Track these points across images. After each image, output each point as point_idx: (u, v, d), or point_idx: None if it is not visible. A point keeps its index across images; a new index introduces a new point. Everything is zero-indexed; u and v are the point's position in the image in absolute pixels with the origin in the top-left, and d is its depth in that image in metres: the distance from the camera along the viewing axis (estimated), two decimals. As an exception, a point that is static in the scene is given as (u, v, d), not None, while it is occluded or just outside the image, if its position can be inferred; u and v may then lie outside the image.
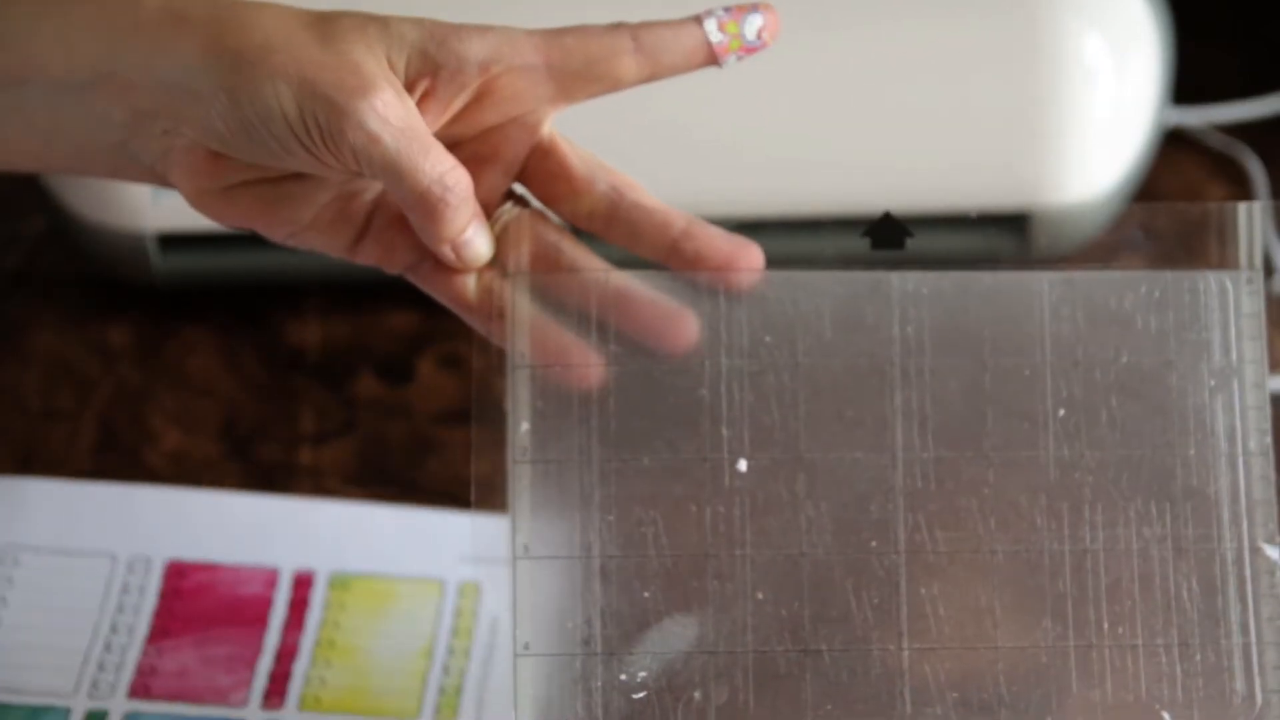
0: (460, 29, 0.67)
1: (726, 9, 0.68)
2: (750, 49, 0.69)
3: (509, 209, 0.70)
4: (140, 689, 0.72)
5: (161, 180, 0.70)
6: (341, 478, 0.82)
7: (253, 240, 0.86)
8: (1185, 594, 0.62)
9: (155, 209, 0.86)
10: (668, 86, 0.85)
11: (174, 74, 0.68)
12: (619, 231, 0.69)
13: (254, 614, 0.74)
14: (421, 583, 0.74)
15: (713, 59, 0.68)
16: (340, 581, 0.75)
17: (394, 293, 0.83)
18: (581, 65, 0.68)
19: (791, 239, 0.89)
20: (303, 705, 0.71)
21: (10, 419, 0.85)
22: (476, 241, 0.67)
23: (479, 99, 0.68)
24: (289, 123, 0.66)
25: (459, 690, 0.72)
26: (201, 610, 0.74)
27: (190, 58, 0.68)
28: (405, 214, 0.67)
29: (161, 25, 0.68)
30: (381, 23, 0.67)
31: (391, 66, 0.66)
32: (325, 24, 0.67)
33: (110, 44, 0.69)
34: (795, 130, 0.86)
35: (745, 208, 0.87)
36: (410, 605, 0.74)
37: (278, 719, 0.71)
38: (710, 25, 0.68)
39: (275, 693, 0.72)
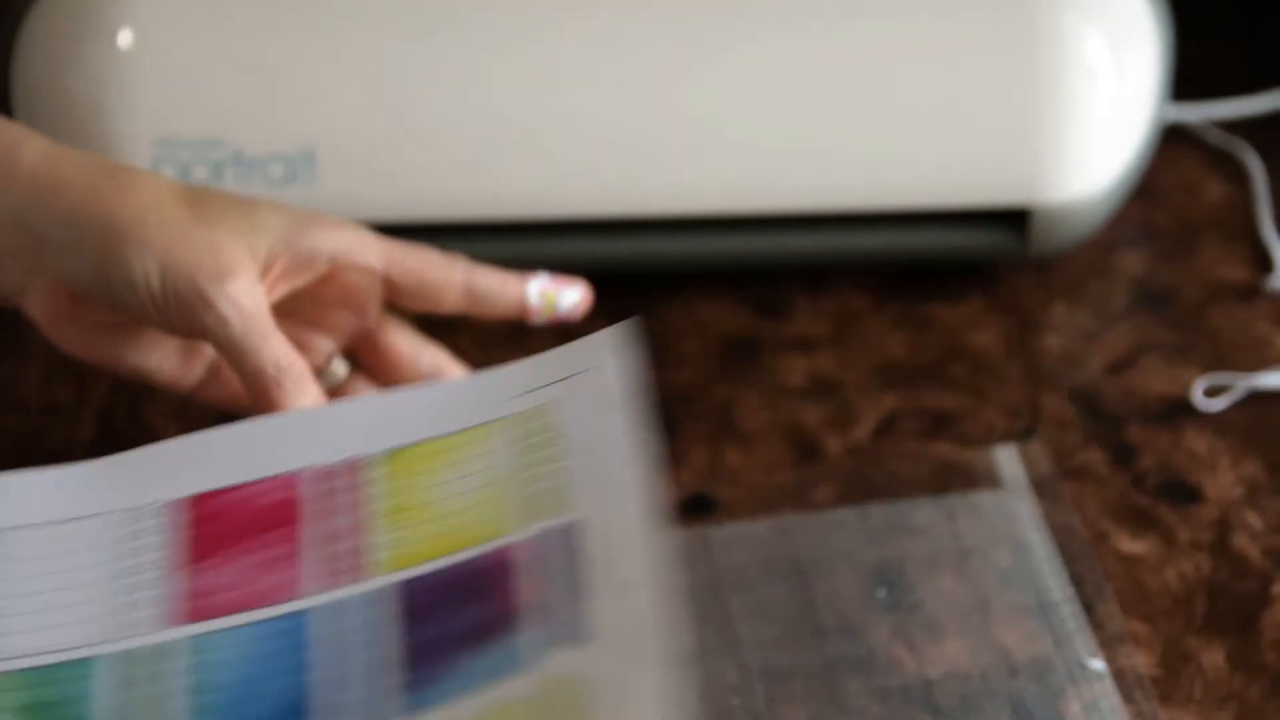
0: (318, 223, 0.75)
1: (551, 278, 0.79)
2: (558, 319, 0.80)
3: (335, 368, 0.81)
4: (180, 616, 0.69)
5: (15, 306, 0.76)
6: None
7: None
8: None
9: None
10: (667, 81, 0.86)
11: (46, 228, 0.73)
12: None
13: (281, 516, 0.71)
14: (481, 428, 0.72)
15: (526, 317, 0.79)
16: (393, 456, 0.72)
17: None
18: (414, 286, 0.77)
19: (792, 235, 0.89)
20: (388, 568, 0.68)
21: (9, 415, 0.85)
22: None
23: (322, 281, 0.77)
24: (150, 293, 0.72)
25: (559, 489, 0.68)
26: (223, 531, 0.71)
27: (63, 215, 0.73)
28: (244, 391, 0.74)
29: (38, 179, 0.73)
30: (248, 209, 0.74)
31: (250, 250, 0.73)
32: (197, 202, 0.74)
33: None
34: (794, 126, 0.86)
35: (742, 204, 0.87)
36: (473, 449, 0.71)
37: (364, 593, 0.67)
38: (533, 289, 0.79)
39: (350, 569, 0.69)
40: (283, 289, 0.76)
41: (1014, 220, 0.88)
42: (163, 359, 0.78)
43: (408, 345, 0.80)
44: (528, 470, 0.70)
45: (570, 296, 0.80)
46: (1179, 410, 0.85)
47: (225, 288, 0.72)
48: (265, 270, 0.74)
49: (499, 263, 0.84)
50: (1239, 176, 0.96)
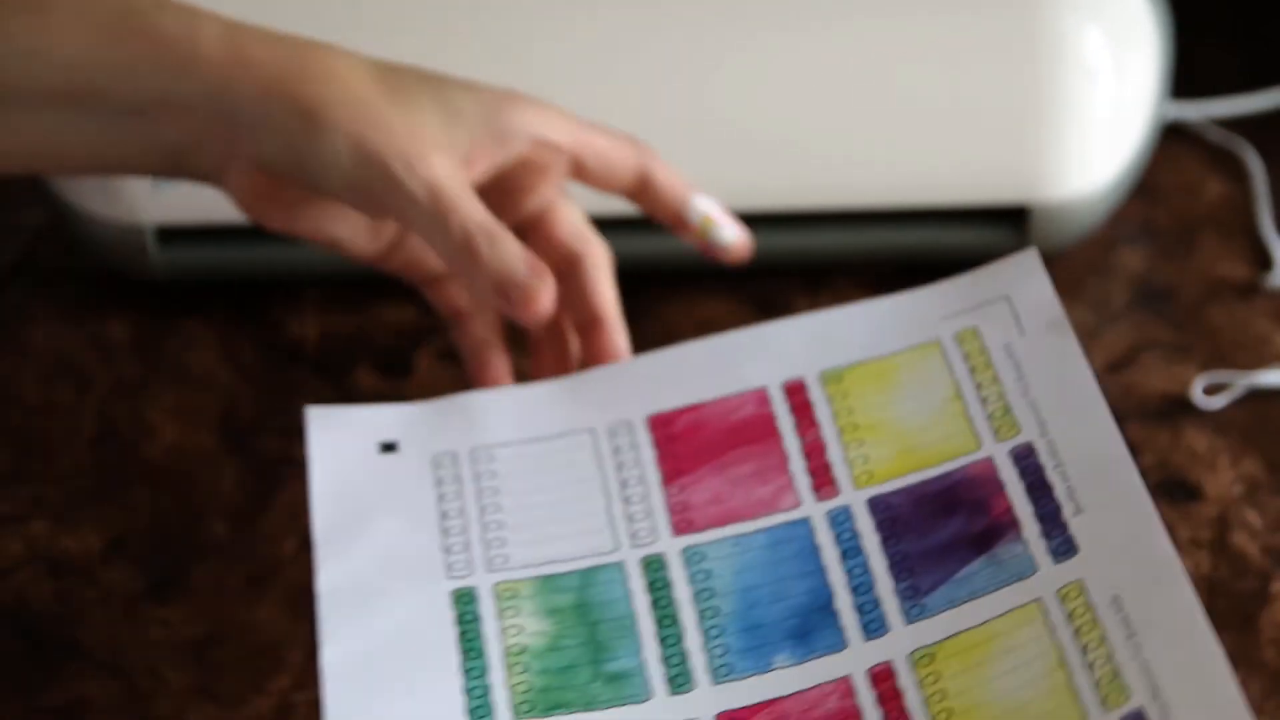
0: (514, 103, 0.74)
1: (719, 208, 0.78)
2: (705, 247, 0.79)
3: None
4: (683, 525, 0.72)
5: (213, 185, 0.75)
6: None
7: (251, 234, 0.86)
8: None
9: (154, 202, 0.86)
10: (667, 79, 0.86)
11: (237, 111, 0.73)
12: None
13: (761, 430, 0.74)
14: (916, 350, 0.75)
15: (677, 229, 0.79)
16: (832, 376, 0.75)
17: (393, 286, 0.83)
18: (597, 166, 0.77)
19: (792, 233, 0.89)
20: (858, 484, 0.72)
21: (8, 412, 0.85)
22: (527, 284, 0.73)
23: (516, 160, 0.76)
24: (343, 175, 0.72)
25: (1007, 409, 0.72)
26: (704, 443, 0.74)
27: (253, 99, 0.72)
28: (450, 269, 0.74)
29: (224, 63, 0.72)
30: (444, 93, 0.73)
31: (450, 139, 0.73)
32: (391, 83, 0.73)
33: (170, 76, 0.73)
34: (794, 124, 0.86)
35: (742, 202, 0.87)
36: (914, 372, 0.74)
37: (840, 507, 0.71)
38: (698, 206, 0.78)
39: (824, 483, 0.72)
40: (481, 172, 0.74)
41: (1013, 218, 0.88)
42: (354, 230, 0.77)
43: (570, 226, 0.78)
44: (974, 392, 0.73)
45: (727, 233, 0.78)
46: (1178, 408, 0.85)
47: (416, 169, 0.71)
48: (466, 156, 0.73)
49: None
50: (1239, 175, 0.96)
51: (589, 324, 0.78)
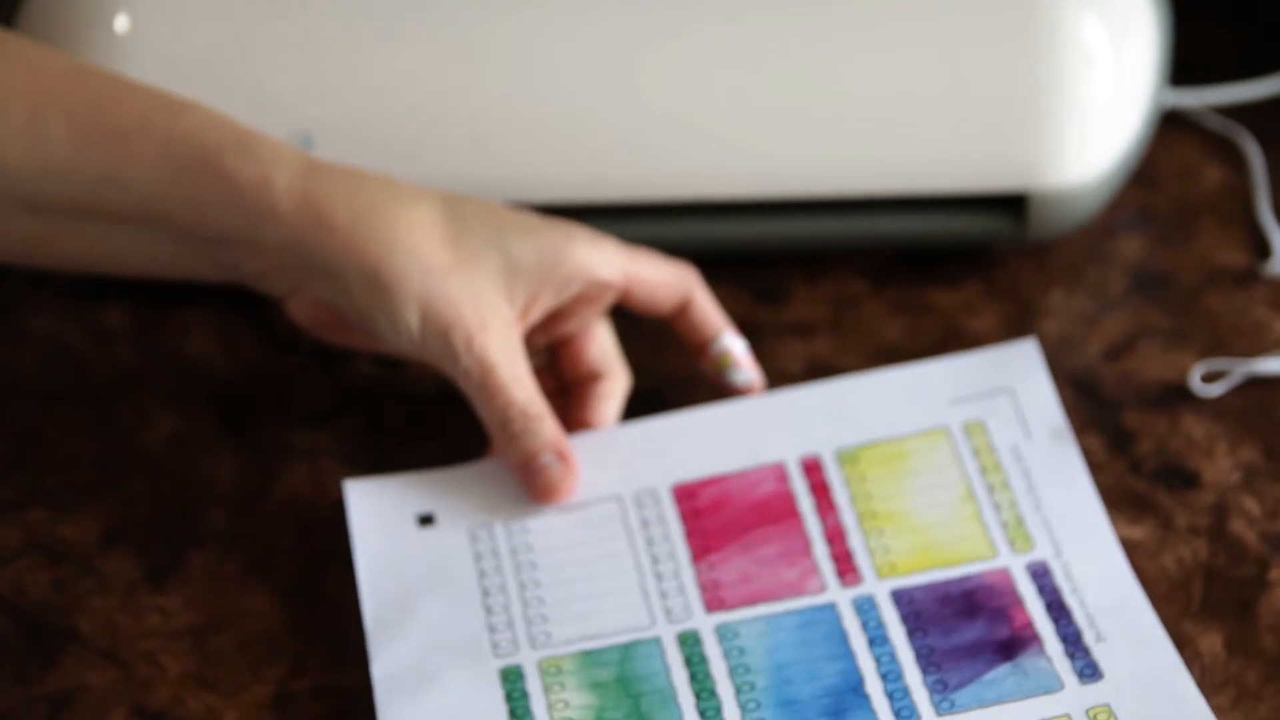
0: (572, 244, 0.78)
1: (742, 348, 0.82)
2: (717, 379, 0.82)
3: None
4: (715, 603, 0.75)
5: (277, 300, 0.82)
6: (339, 459, 0.82)
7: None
8: None
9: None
10: (665, 65, 0.85)
11: (309, 263, 0.77)
12: None
13: (782, 509, 0.77)
14: (926, 435, 0.79)
15: (695, 354, 0.82)
16: (848, 457, 0.79)
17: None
18: (642, 296, 0.81)
19: (790, 220, 0.89)
20: (880, 574, 0.75)
21: (6, 401, 0.85)
22: (548, 472, 0.77)
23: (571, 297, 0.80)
24: (409, 339, 0.77)
25: (1020, 521, 0.76)
26: (729, 521, 0.77)
27: (326, 257, 0.76)
28: (489, 434, 0.79)
29: (299, 220, 0.76)
30: (504, 243, 0.77)
31: (509, 296, 0.77)
32: (456, 243, 0.77)
33: (245, 222, 0.76)
34: (792, 111, 0.86)
35: (740, 190, 0.87)
36: (926, 458, 0.78)
37: (865, 595, 0.74)
38: (720, 344, 0.82)
39: (847, 570, 0.75)
40: (540, 313, 0.79)
41: (1012, 205, 0.88)
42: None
43: (599, 350, 0.82)
44: (987, 494, 0.77)
45: (741, 376, 0.82)
46: (1176, 395, 0.85)
47: (473, 346, 0.76)
48: (523, 306, 0.78)
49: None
50: (1237, 161, 0.96)
51: (577, 428, 0.81)
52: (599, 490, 0.78)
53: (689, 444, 0.80)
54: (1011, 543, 0.76)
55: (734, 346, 0.82)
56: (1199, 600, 0.77)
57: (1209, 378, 0.85)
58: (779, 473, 0.79)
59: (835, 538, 0.76)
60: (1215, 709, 0.72)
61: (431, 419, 0.84)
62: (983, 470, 0.78)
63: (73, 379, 0.86)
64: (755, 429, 0.80)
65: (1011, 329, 0.88)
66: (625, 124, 0.86)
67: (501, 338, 0.77)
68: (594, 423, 0.81)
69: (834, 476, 0.78)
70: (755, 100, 0.86)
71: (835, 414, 0.80)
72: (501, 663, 0.73)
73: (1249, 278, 0.90)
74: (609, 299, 0.81)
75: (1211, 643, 0.75)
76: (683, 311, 0.82)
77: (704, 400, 0.84)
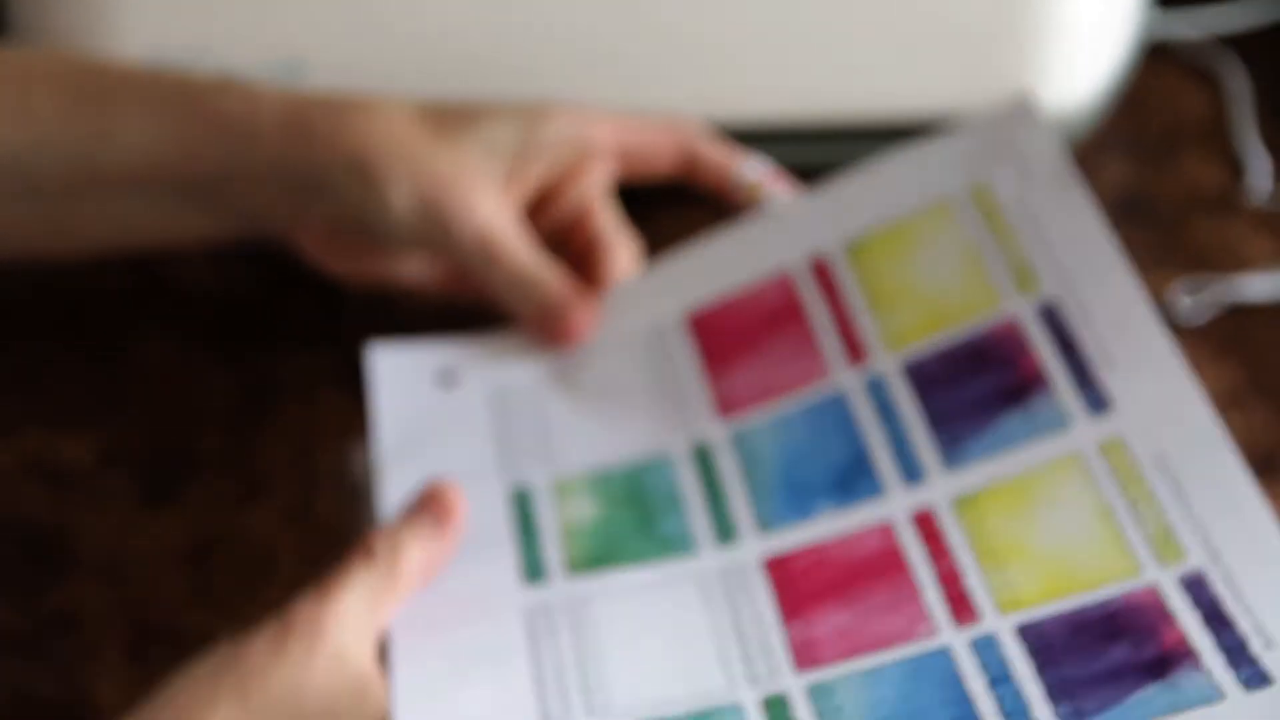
0: (550, 119, 0.78)
1: (766, 171, 0.80)
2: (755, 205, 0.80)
3: None
4: (730, 408, 0.74)
5: (284, 242, 0.81)
6: (333, 383, 0.83)
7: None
8: None
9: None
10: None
11: (299, 177, 0.77)
12: None
13: (790, 314, 0.76)
14: (932, 210, 0.76)
15: (725, 196, 0.81)
16: (855, 248, 0.76)
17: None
18: (640, 157, 0.80)
19: (770, 148, 0.89)
20: (889, 347, 0.73)
21: (2, 326, 0.86)
22: (564, 314, 0.77)
23: (564, 166, 0.79)
24: (405, 221, 0.76)
25: (1027, 268, 0.73)
26: (741, 333, 0.76)
27: (313, 164, 0.77)
28: (499, 301, 0.78)
29: (283, 135, 0.77)
30: (482, 124, 0.78)
31: (492, 166, 0.77)
32: (436, 122, 0.77)
33: (234, 152, 0.77)
34: (771, 38, 0.86)
35: (721, 113, 0.87)
36: (932, 234, 0.75)
37: (875, 377, 0.73)
38: (746, 176, 0.80)
39: (856, 356, 0.74)
40: (531, 187, 0.79)
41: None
42: (419, 269, 0.81)
43: (602, 224, 0.80)
44: (996, 251, 0.74)
45: (779, 200, 0.80)
46: (1159, 318, 0.85)
47: (467, 212, 0.76)
48: (510, 179, 0.78)
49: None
50: (1222, 88, 0.96)
51: (595, 251, 0.80)
52: (613, 336, 0.77)
53: (696, 273, 0.78)
54: (1019, 287, 0.72)
55: (754, 174, 0.80)
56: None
57: (1191, 301, 0.85)
58: (786, 281, 0.77)
59: (843, 326, 0.75)
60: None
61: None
62: (990, 229, 0.75)
63: (68, 305, 0.87)
64: (754, 246, 0.78)
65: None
66: (614, 52, 0.86)
67: (492, 205, 0.77)
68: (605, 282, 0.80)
69: (843, 273, 0.76)
70: (736, 26, 0.86)
71: (837, 211, 0.78)
72: (512, 486, 0.73)
73: (1232, 202, 0.90)
74: (603, 169, 0.80)
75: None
76: (691, 166, 0.81)
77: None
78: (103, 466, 0.80)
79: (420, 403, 0.76)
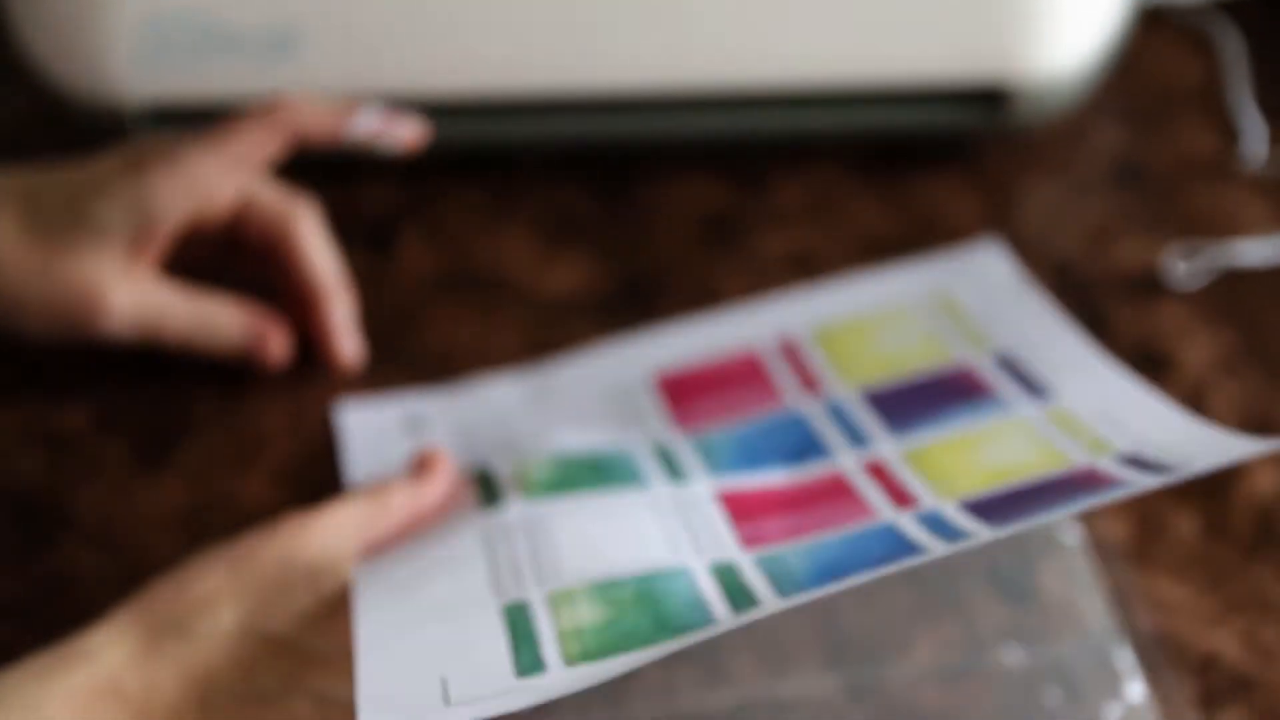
0: (148, 186, 0.78)
1: (382, 121, 0.80)
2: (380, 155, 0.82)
3: None
4: (688, 425, 0.77)
5: None
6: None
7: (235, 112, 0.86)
8: None
9: (135, 83, 0.86)
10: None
11: None
12: None
13: (753, 371, 0.80)
14: (897, 309, 0.82)
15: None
16: (821, 333, 0.81)
17: (375, 166, 0.83)
18: (255, 158, 0.80)
19: (771, 112, 0.89)
20: (849, 386, 0.78)
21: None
22: (257, 353, 0.81)
23: (197, 223, 0.80)
24: (51, 337, 0.79)
25: (985, 337, 0.79)
26: (704, 386, 0.80)
27: None
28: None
29: None
30: (87, 214, 0.78)
31: (111, 249, 0.78)
32: (43, 237, 0.78)
33: None
34: (771, 1, 0.86)
35: (721, 81, 0.87)
36: (896, 323, 0.81)
37: (833, 400, 0.77)
38: (359, 130, 0.80)
39: (814, 389, 0.78)
40: (166, 240, 0.79)
41: (991, 97, 0.88)
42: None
43: (268, 201, 0.81)
44: (954, 328, 0.79)
45: (400, 138, 0.80)
46: (1153, 283, 0.85)
47: (105, 316, 0.78)
48: (137, 248, 0.78)
49: (483, 145, 0.85)
50: (1217, 54, 0.96)
51: (310, 296, 0.82)
52: (582, 406, 0.79)
53: (669, 352, 0.81)
54: (975, 344, 0.78)
55: (368, 128, 0.80)
56: (1175, 484, 0.77)
57: (1185, 265, 0.86)
58: (752, 353, 0.81)
59: (803, 376, 0.79)
60: (1190, 591, 0.73)
61: (416, 306, 0.85)
62: (952, 321, 0.80)
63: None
64: (732, 331, 0.82)
65: (991, 219, 0.88)
66: (608, 14, 0.85)
67: (126, 294, 0.78)
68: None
69: (809, 348, 0.80)
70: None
71: (811, 311, 0.82)
72: (475, 469, 0.75)
73: (1226, 167, 0.90)
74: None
75: (1188, 525, 0.76)
76: (301, 142, 0.80)
77: (683, 291, 0.85)
78: (97, 432, 0.80)
79: (389, 450, 0.78)
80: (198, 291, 0.81)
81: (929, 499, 0.70)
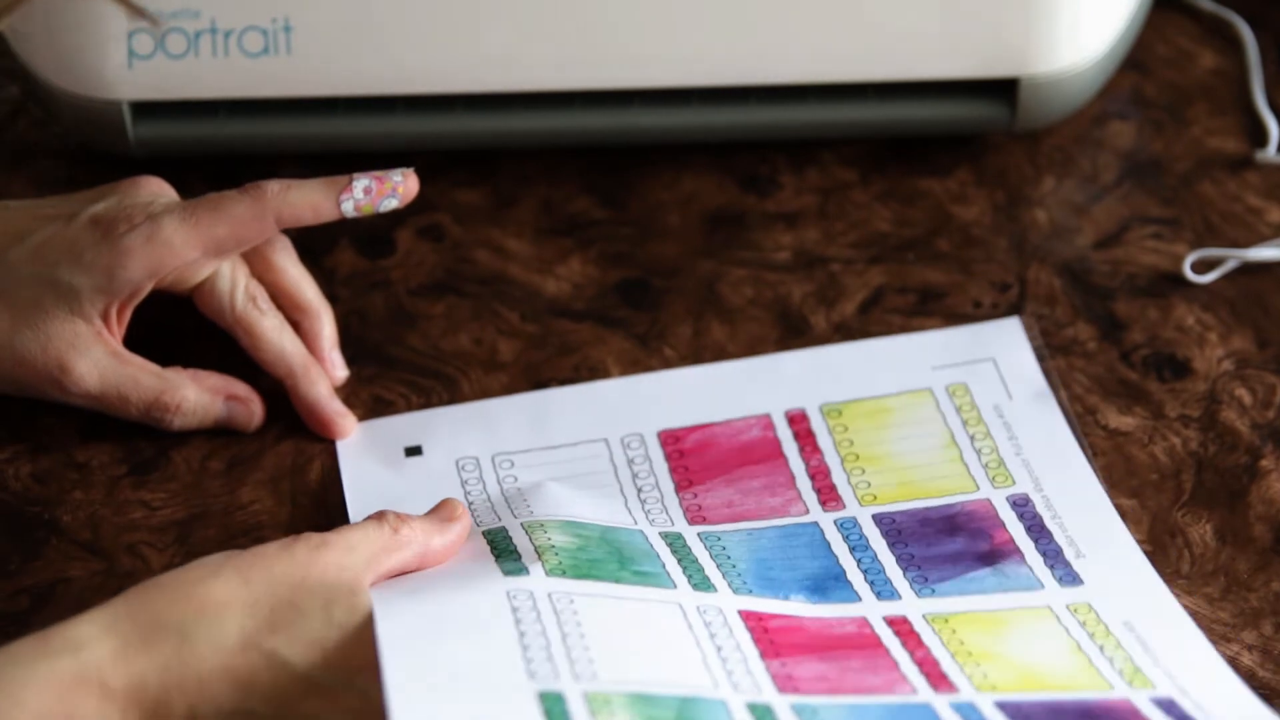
0: (122, 256, 0.77)
1: (371, 185, 0.78)
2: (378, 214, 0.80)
3: None
4: (697, 520, 0.76)
5: None
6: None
7: (228, 108, 0.85)
8: None
9: (130, 78, 0.86)
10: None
11: None
12: None
13: (767, 450, 0.79)
14: (910, 394, 0.80)
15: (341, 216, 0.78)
16: (832, 410, 0.80)
17: (371, 164, 0.82)
18: (233, 245, 0.78)
19: (778, 107, 0.88)
20: (863, 502, 0.77)
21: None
22: (231, 420, 0.80)
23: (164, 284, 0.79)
24: (31, 395, 0.79)
25: (1001, 463, 0.77)
26: (715, 459, 0.79)
27: None
28: None
29: None
30: (54, 282, 0.77)
31: (78, 313, 0.77)
32: (11, 307, 0.77)
33: None
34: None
35: (727, 76, 0.86)
36: (909, 414, 0.80)
37: (847, 517, 0.76)
38: (347, 206, 0.78)
39: (830, 500, 0.77)
40: (133, 304, 0.79)
41: (1002, 91, 0.87)
42: None
43: (288, 293, 0.81)
44: (969, 442, 0.78)
45: (392, 203, 0.79)
46: (1168, 283, 0.84)
47: (67, 385, 0.78)
48: (104, 314, 0.78)
49: (482, 140, 0.84)
50: (1231, 47, 0.95)
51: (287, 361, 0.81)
52: (585, 434, 0.79)
53: (674, 396, 0.81)
54: (992, 479, 0.77)
55: (360, 199, 0.78)
56: (1189, 490, 0.76)
57: (1201, 266, 0.85)
58: (764, 422, 0.80)
59: (818, 474, 0.78)
60: (1205, 599, 0.72)
61: (414, 310, 0.84)
62: (965, 423, 0.79)
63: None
64: (740, 386, 0.81)
65: (1001, 217, 0.87)
66: (613, 11, 0.85)
67: (91, 360, 0.78)
68: (316, 418, 0.80)
69: (818, 425, 0.79)
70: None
71: (819, 375, 0.81)
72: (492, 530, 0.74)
73: (1242, 165, 0.90)
74: (199, 270, 0.79)
75: (1202, 532, 0.75)
76: (289, 220, 0.78)
77: (690, 290, 0.84)
78: (86, 440, 0.79)
79: (388, 473, 0.78)
80: (160, 368, 0.79)
81: (967, 688, 0.69)
